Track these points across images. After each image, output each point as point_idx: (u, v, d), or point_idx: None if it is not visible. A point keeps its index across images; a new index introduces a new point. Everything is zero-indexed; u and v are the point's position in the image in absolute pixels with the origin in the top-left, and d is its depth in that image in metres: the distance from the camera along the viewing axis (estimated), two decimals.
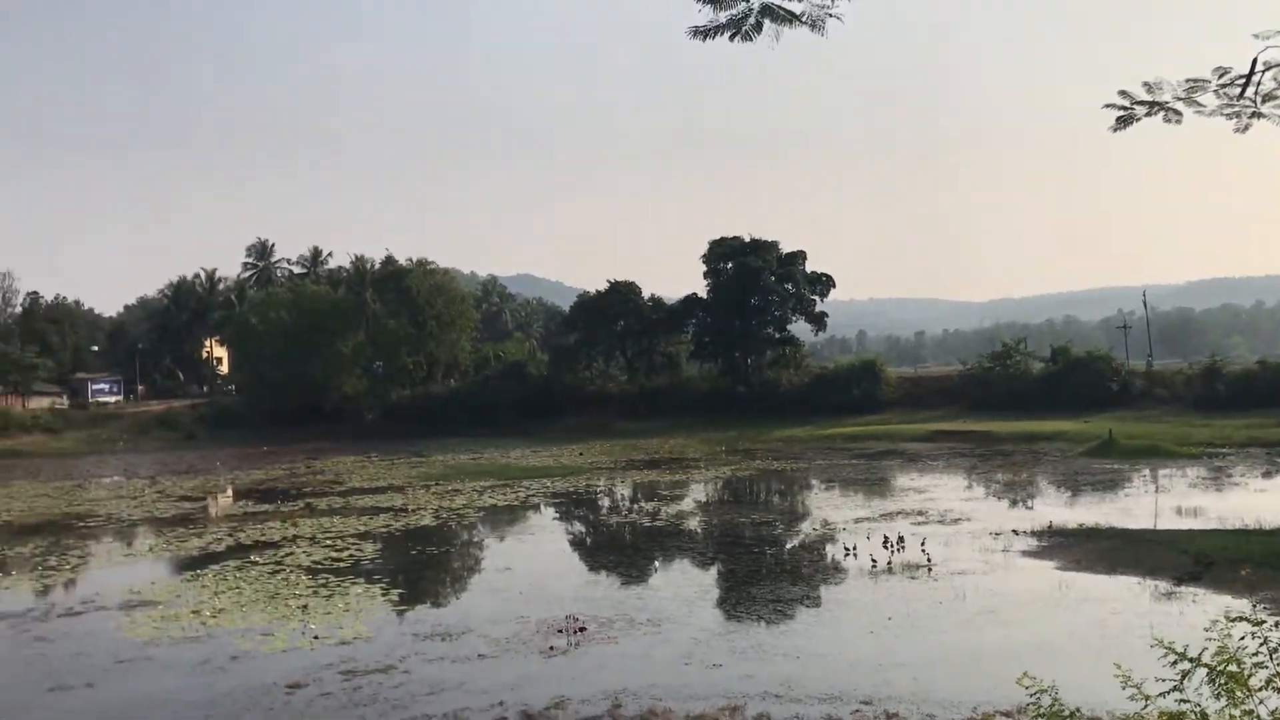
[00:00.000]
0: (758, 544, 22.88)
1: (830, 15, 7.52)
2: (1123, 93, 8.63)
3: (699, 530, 25.79)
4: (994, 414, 58.75)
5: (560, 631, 15.04)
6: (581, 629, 15.10)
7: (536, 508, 31.39)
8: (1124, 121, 9.20)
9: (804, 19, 7.32)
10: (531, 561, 22.35)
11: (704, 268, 77.94)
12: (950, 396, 68.85)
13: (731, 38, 7.34)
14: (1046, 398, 61.39)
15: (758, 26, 7.34)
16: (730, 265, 76.20)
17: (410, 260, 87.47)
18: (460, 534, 26.68)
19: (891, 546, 21.04)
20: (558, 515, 30.48)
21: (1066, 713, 5.46)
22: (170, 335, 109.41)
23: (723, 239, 77.73)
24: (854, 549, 20.99)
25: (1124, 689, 5.36)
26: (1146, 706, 5.29)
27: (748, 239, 77.38)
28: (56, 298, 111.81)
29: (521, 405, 74.96)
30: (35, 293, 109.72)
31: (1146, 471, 35.00)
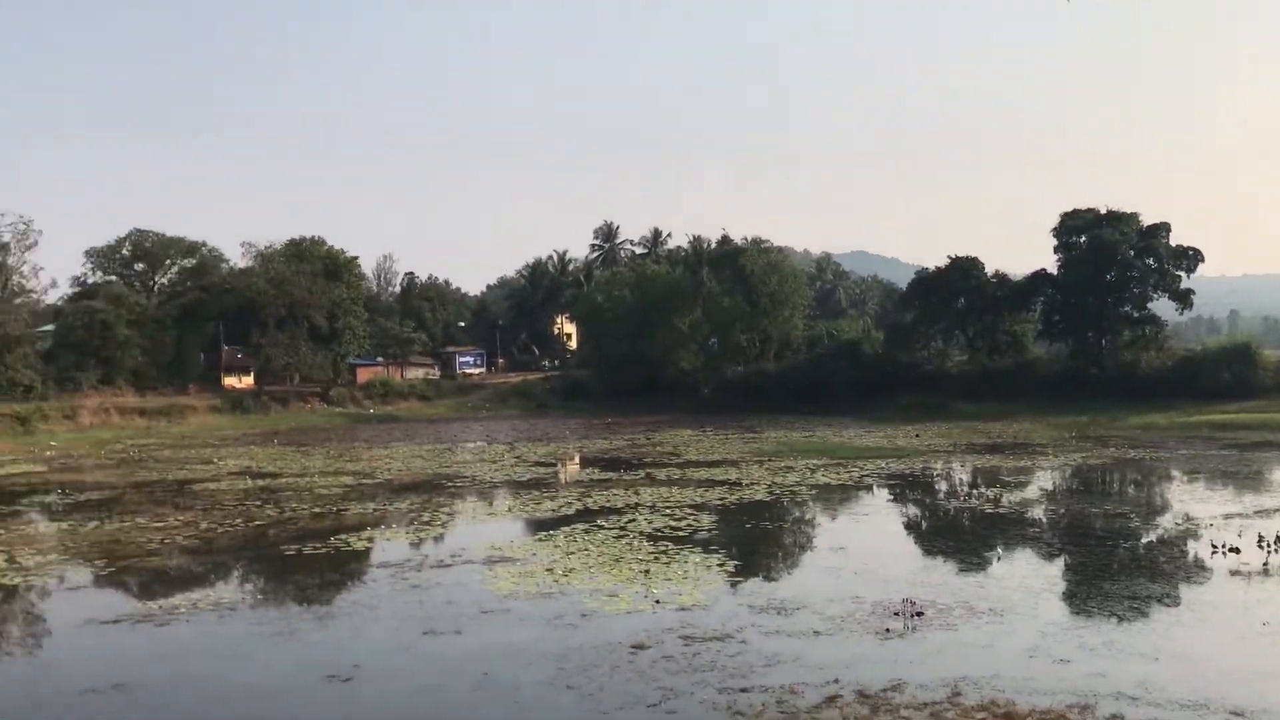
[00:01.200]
0: (1110, 537, 21.45)
1: None
2: None
3: (1044, 519, 24.53)
4: None
5: (896, 614, 14.85)
6: (919, 613, 14.83)
7: (870, 488, 31.02)
8: None
9: None
10: (865, 542, 22.15)
11: (1054, 242, 73.49)
12: None
13: None
14: None
15: None
16: (1084, 239, 71.38)
17: (745, 239, 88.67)
18: (793, 510, 26.87)
19: (1268, 546, 19.09)
20: (892, 497, 29.98)
21: None
22: (526, 312, 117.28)
23: (1075, 211, 72.93)
24: (1223, 547, 19.23)
25: None
26: None
27: (1104, 210, 72.16)
28: (430, 278, 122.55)
29: (855, 384, 74.13)
30: (411, 273, 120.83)
31: None
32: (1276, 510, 23.98)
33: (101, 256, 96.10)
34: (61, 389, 70.82)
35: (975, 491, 29.68)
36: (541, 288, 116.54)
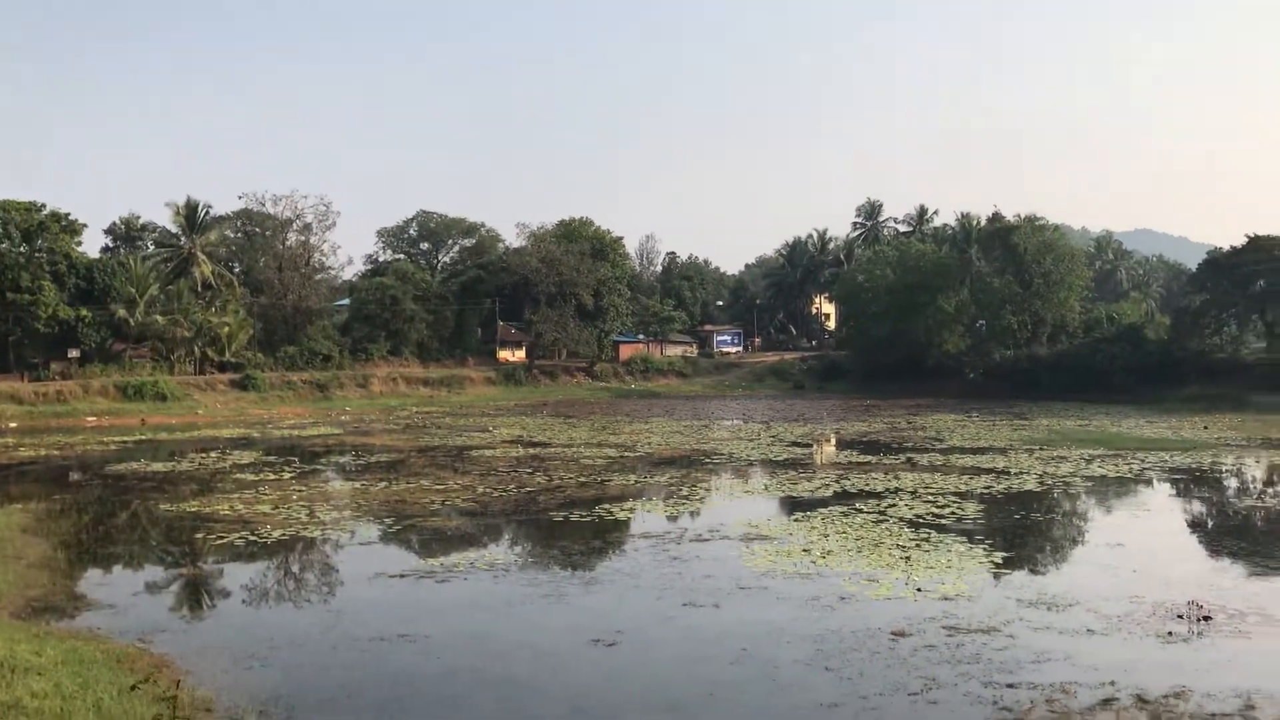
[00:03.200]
0: None
1: None
2: None
3: None
4: None
5: (1180, 617, 13.92)
6: (1206, 617, 13.84)
7: (1150, 482, 29.08)
8: None
9: None
10: (1145, 539, 20.82)
11: None
12: None
13: None
14: None
15: None
16: None
17: (1018, 216, 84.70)
18: (1065, 502, 25.58)
19: None
20: (1175, 492, 27.99)
21: None
22: (783, 292, 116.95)
23: None
24: None
25: None
26: None
27: None
28: (690, 257, 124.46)
29: (1135, 371, 69.62)
30: (673, 253, 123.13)
31: None
32: None
33: (391, 236, 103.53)
34: (355, 359, 76.88)
35: (1272, 490, 27.29)
36: (800, 267, 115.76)
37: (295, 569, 18.95)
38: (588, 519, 22.51)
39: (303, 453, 37.62)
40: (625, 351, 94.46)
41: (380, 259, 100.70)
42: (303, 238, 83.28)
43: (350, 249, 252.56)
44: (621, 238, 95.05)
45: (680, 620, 14.34)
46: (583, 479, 28.94)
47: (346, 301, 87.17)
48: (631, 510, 23.74)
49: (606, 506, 23.95)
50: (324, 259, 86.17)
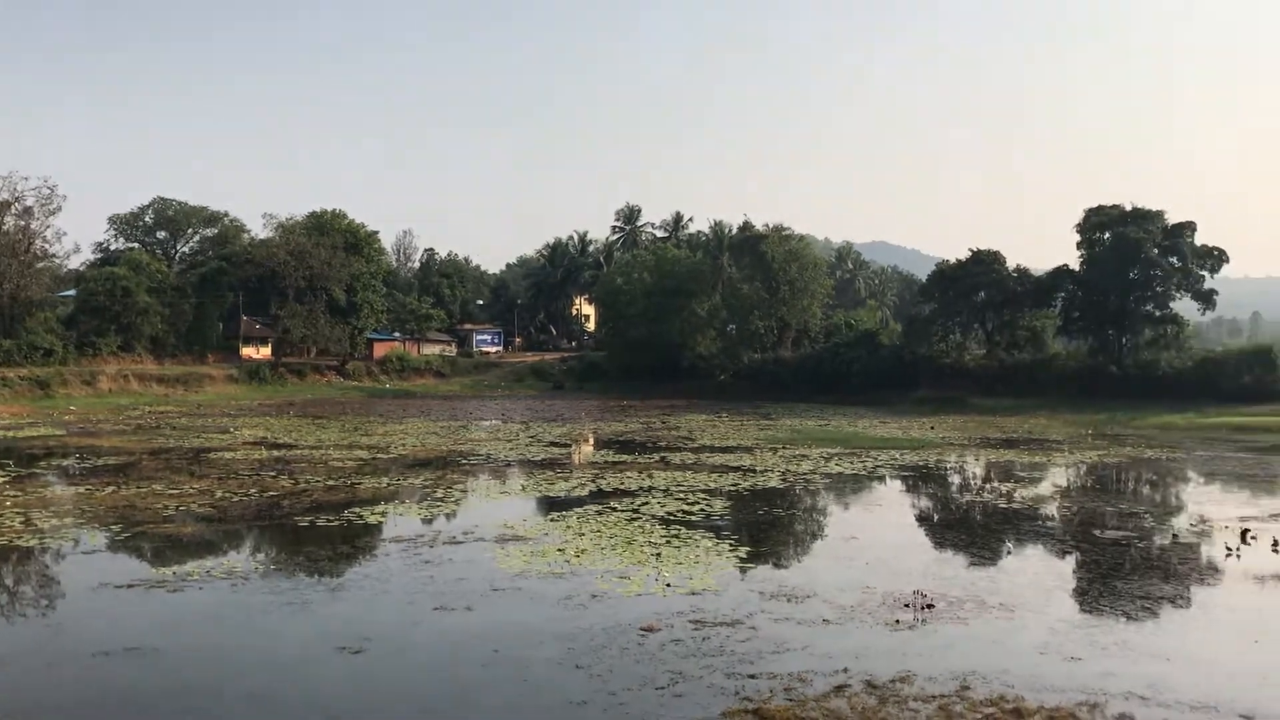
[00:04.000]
0: (1124, 536, 21.35)
1: None
2: None
3: (1057, 516, 24.43)
4: None
5: (907, 606, 14.84)
6: (929, 605, 14.82)
7: (883, 479, 30.98)
8: None
9: None
10: (877, 532, 22.13)
11: (1077, 238, 73.04)
12: None
13: None
14: None
15: None
16: (1107, 236, 70.91)
17: (766, 226, 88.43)
18: (805, 499, 26.85)
19: None
20: (905, 488, 29.92)
21: None
22: (545, 292, 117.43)
23: (1100, 207, 72.40)
24: (1237, 550, 19.15)
25: None
26: None
27: (1129, 207, 71.60)
28: (449, 254, 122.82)
29: (871, 375, 74.05)
30: (431, 249, 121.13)
31: None
32: None
33: (124, 224, 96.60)
34: (81, 354, 71.41)
35: (989, 486, 29.61)
36: (561, 268, 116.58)
37: (7, 581, 17.34)
38: (336, 523, 21.75)
39: (19, 455, 34.56)
40: (380, 350, 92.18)
41: (111, 248, 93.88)
42: (22, 222, 76.48)
43: (78, 236, 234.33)
44: (377, 232, 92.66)
45: (431, 624, 14.07)
46: (331, 482, 27.98)
47: (73, 292, 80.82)
48: (383, 514, 23.11)
49: (356, 510, 23.23)
50: (47, 246, 79.43)
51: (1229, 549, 19.31)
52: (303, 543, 20.02)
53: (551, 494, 26.18)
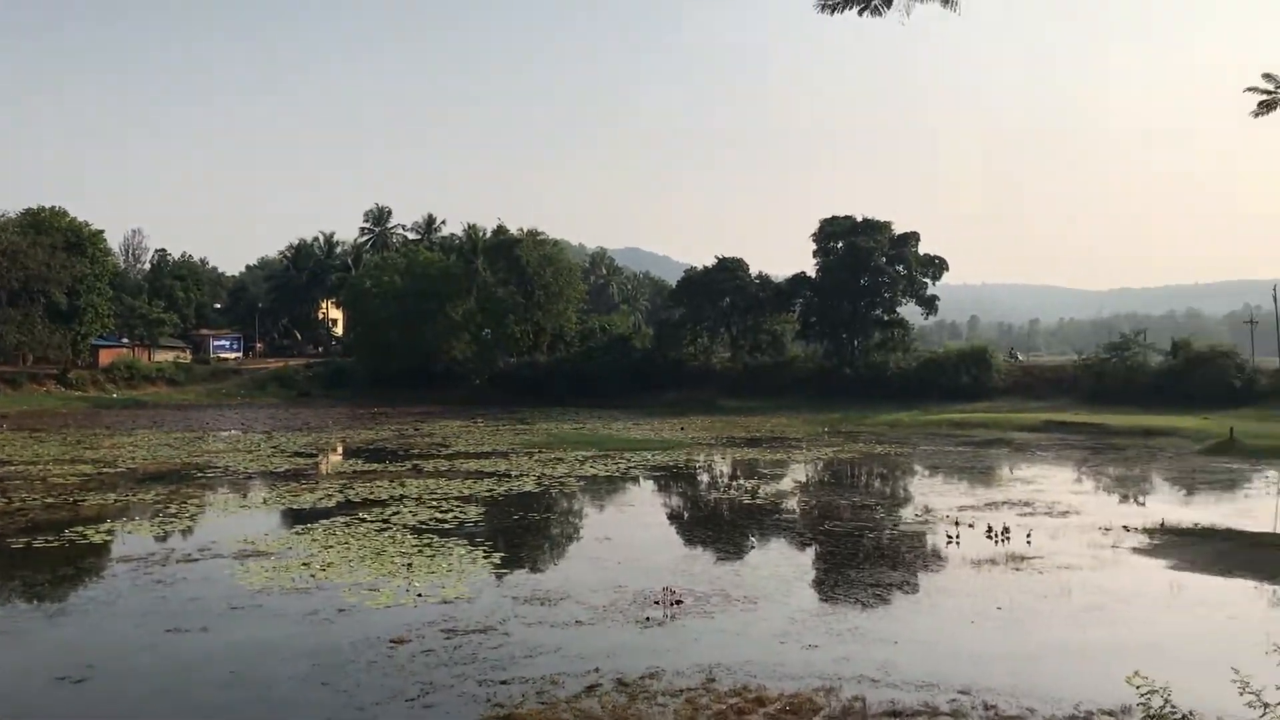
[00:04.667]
0: (857, 527, 22.65)
1: None
2: (1267, 76, 8.23)
3: (798, 510, 25.65)
4: (1108, 407, 57.09)
5: (657, 603, 15.16)
6: (678, 602, 15.20)
7: (636, 480, 31.59)
8: (1266, 107, 8.76)
9: None
10: (630, 532, 22.53)
11: (813, 246, 77.16)
12: (1063, 387, 66.98)
13: (860, 12, 7.22)
14: (1164, 392, 59.43)
15: (887, 1, 7.20)
16: (840, 245, 75.24)
17: (521, 230, 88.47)
18: (561, 502, 27.01)
19: (996, 537, 20.67)
20: (657, 488, 30.62)
21: (1178, 715, 5.31)
22: (288, 295, 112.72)
23: (834, 218, 76.76)
24: (956, 537, 20.69)
25: (1241, 695, 5.20)
26: (1265, 715, 5.11)
27: (859, 218, 76.25)
28: (183, 255, 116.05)
29: (625, 378, 75.40)
30: (163, 250, 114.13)
31: (1270, 473, 33.57)
32: (1004, 503, 25.97)
33: None
34: None
35: (735, 483, 30.71)
36: (306, 270, 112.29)
37: None
38: (56, 544, 20.06)
39: None
40: (106, 357, 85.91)
41: None
42: None
43: None
44: (102, 231, 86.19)
45: (163, 647, 13.19)
46: (50, 500, 25.82)
47: None
48: (110, 532, 21.51)
49: (80, 529, 21.53)
50: None
51: (949, 537, 20.81)
52: (17, 567, 18.36)
53: (296, 506, 25.15)
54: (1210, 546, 19.88)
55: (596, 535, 22.14)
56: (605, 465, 34.09)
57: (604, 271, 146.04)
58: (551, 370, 79.87)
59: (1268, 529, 22.51)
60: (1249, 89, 8.53)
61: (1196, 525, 22.24)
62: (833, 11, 7.31)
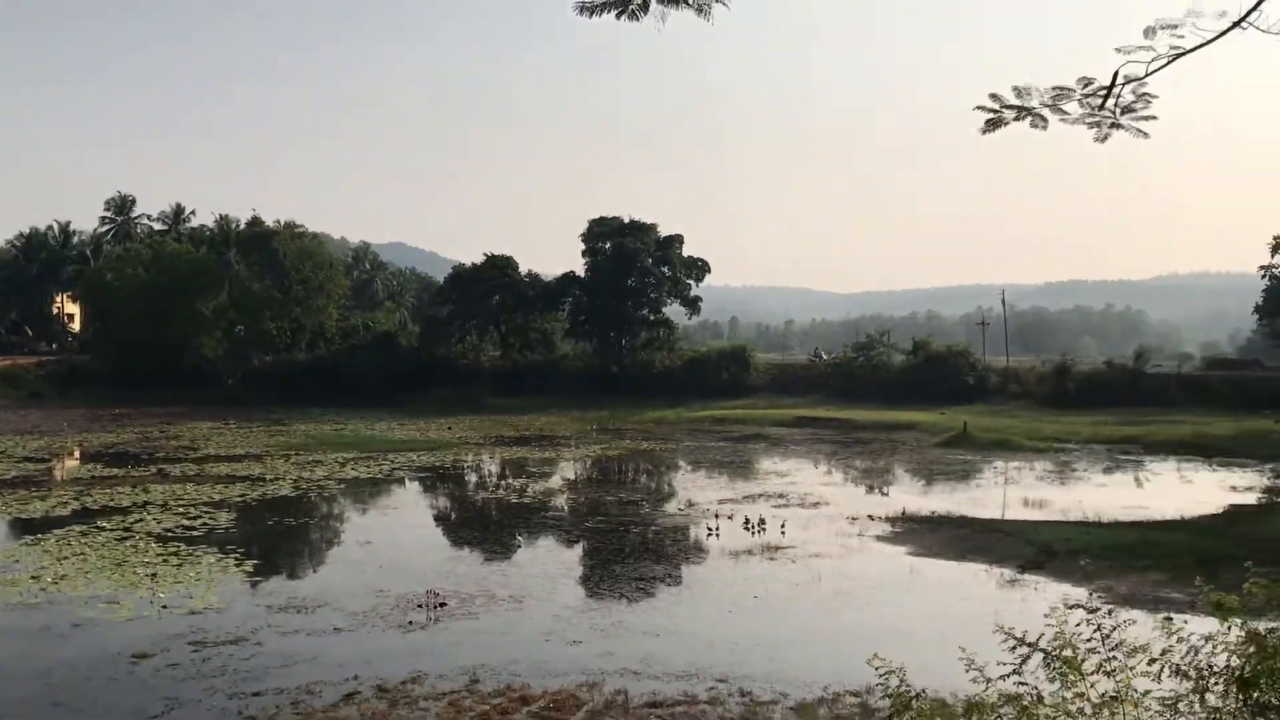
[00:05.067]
0: (622, 523, 23.02)
1: (718, 1, 7.54)
2: (993, 95, 8.88)
3: (565, 508, 25.82)
4: (856, 402, 60.31)
5: (420, 606, 14.89)
6: (442, 604, 14.98)
7: (401, 481, 30.96)
8: (993, 124, 9.43)
9: (690, 2, 7.33)
10: (393, 535, 22.06)
11: (582, 246, 77.88)
12: (815, 384, 70.33)
13: (618, 15, 7.30)
14: (907, 389, 63.32)
15: (644, 6, 7.31)
16: (609, 245, 76.23)
17: (278, 222, 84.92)
18: (320, 506, 26.11)
19: (753, 528, 21.47)
20: (422, 490, 30.11)
21: (913, 693, 5.66)
22: (18, 289, 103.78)
23: (602, 218, 77.70)
24: (717, 530, 21.35)
25: (967, 672, 5.59)
26: (987, 689, 5.52)
27: (627, 220, 77.52)
28: None
29: (389, 377, 73.71)
30: None
31: (997, 463, 36.44)
32: (761, 496, 27.02)
33: None
34: None
35: (503, 482, 30.58)
36: (38, 261, 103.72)
37: None
38: None
39: None
40: None
41: None
42: None
43: None
44: None
45: None
46: None
47: None
48: None
49: None
50: None
51: (710, 529, 21.47)
52: None
53: (26, 515, 23.15)
54: (946, 533, 21.36)
55: (358, 539, 21.55)
56: (368, 467, 33.21)
57: (368, 267, 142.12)
58: (311, 369, 77.02)
59: (996, 515, 24.37)
60: (977, 107, 9.15)
61: (934, 513, 23.84)
62: (591, 14, 7.36)
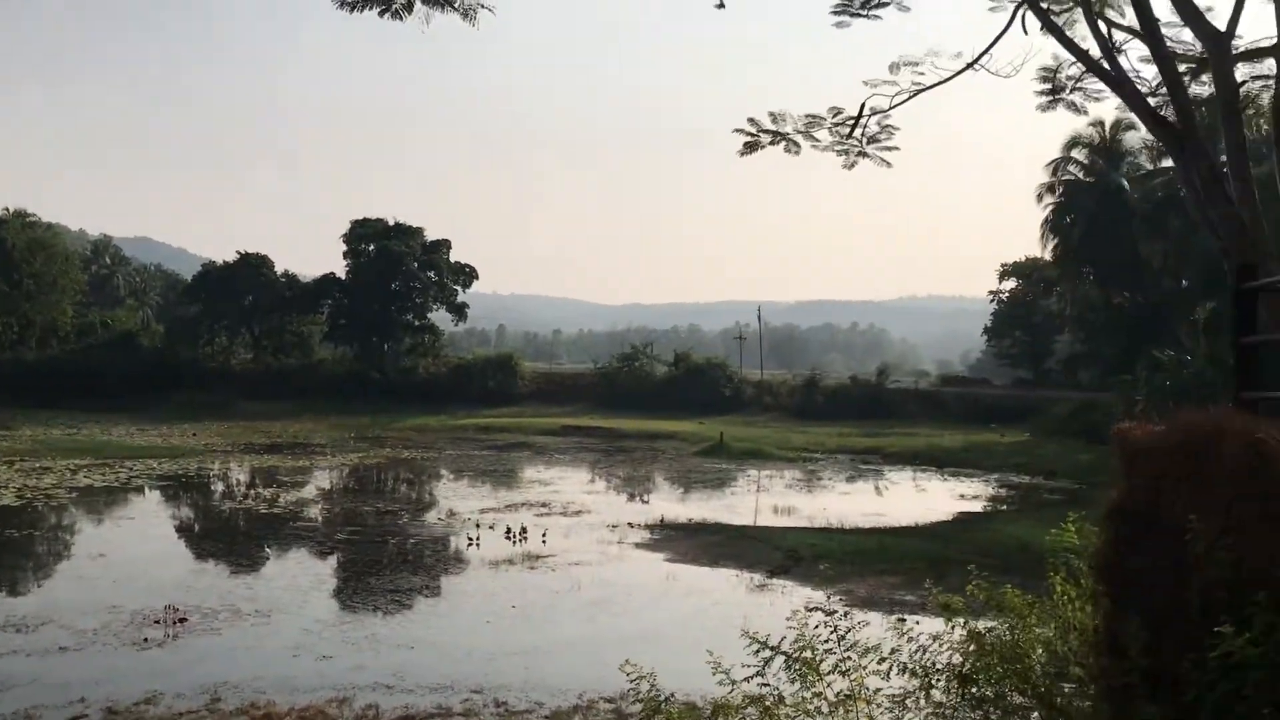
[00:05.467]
0: (380, 533, 22.47)
1: (483, 7, 7.52)
2: (751, 120, 9.27)
3: (319, 518, 24.97)
4: (621, 412, 61.31)
5: (157, 623, 14.03)
6: (182, 620, 14.16)
7: (140, 490, 29.09)
8: (750, 147, 9.86)
9: (456, 6, 7.28)
10: (130, 548, 20.67)
11: (344, 248, 75.66)
12: (581, 393, 71.08)
13: (381, 13, 7.16)
14: (668, 399, 64.87)
15: (408, 6, 7.20)
16: (372, 248, 74.45)
17: (7, 210, 78.27)
18: (48, 517, 24.19)
19: (514, 537, 21.43)
20: (164, 499, 28.40)
21: (662, 697, 5.80)
22: None
23: (365, 220, 75.79)
24: (477, 539, 21.18)
25: (714, 674, 5.78)
26: (732, 691, 5.72)
27: (392, 222, 75.94)
28: None
29: (130, 379, 69.17)
30: None
31: (751, 472, 37.87)
32: (524, 504, 27.01)
33: None
34: None
35: (252, 492, 29.26)
36: None
37: None
38: None
39: None
40: None
41: None
42: None
43: None
44: None
45: None
46: None
47: None
48: None
49: None
50: None
51: (470, 539, 21.27)
52: None
53: None
54: (701, 539, 22.00)
55: (90, 552, 20.07)
56: (103, 475, 31.02)
57: (108, 261, 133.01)
58: (41, 369, 71.22)
59: (748, 522, 25.31)
60: (736, 130, 9.54)
61: (691, 520, 24.51)
62: (352, 10, 7.20)
